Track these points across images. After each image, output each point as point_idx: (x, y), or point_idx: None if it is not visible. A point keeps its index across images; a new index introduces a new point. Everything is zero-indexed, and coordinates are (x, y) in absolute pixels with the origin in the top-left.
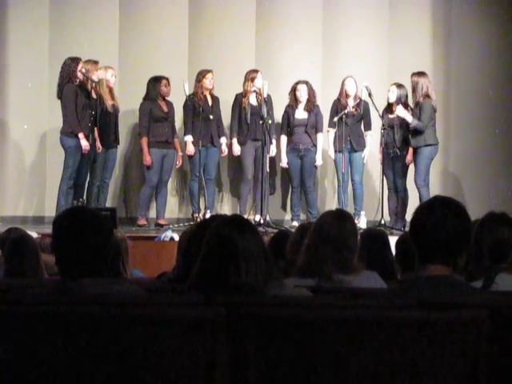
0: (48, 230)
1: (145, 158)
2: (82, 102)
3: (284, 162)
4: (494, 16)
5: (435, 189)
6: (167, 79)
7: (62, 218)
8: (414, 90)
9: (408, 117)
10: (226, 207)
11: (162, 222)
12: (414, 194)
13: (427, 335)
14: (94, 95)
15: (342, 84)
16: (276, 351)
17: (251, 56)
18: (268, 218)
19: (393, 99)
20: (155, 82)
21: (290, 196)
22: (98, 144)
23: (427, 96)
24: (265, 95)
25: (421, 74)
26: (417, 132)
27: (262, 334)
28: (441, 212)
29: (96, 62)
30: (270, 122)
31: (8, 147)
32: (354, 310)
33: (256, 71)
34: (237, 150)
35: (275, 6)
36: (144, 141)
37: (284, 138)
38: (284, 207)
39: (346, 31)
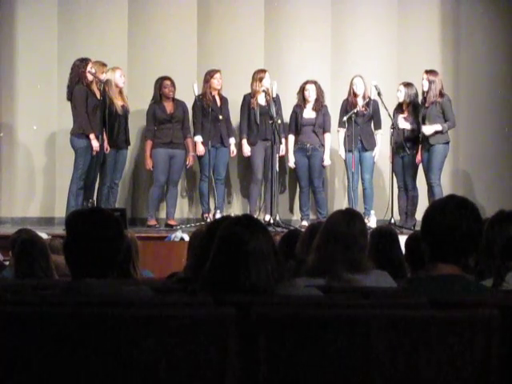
0: (58, 231)
1: (146, 162)
2: (92, 102)
3: (291, 162)
4: (503, 14)
5: (445, 187)
6: (170, 79)
7: (74, 218)
8: (429, 88)
9: (437, 128)
10: (235, 207)
11: (171, 222)
12: (424, 192)
13: (438, 334)
14: (100, 96)
15: (351, 83)
16: (286, 351)
17: (260, 56)
18: (278, 218)
19: (401, 99)
20: (157, 83)
21: (298, 196)
22: (106, 145)
23: (443, 94)
24: (273, 95)
25: (434, 72)
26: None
27: (273, 334)
28: (456, 213)
29: (104, 65)
30: (279, 121)
31: (17, 149)
32: (365, 309)
33: (264, 71)
34: (247, 150)
35: (284, 6)
36: (148, 144)
37: (292, 138)
38: (293, 207)
39: (354, 30)
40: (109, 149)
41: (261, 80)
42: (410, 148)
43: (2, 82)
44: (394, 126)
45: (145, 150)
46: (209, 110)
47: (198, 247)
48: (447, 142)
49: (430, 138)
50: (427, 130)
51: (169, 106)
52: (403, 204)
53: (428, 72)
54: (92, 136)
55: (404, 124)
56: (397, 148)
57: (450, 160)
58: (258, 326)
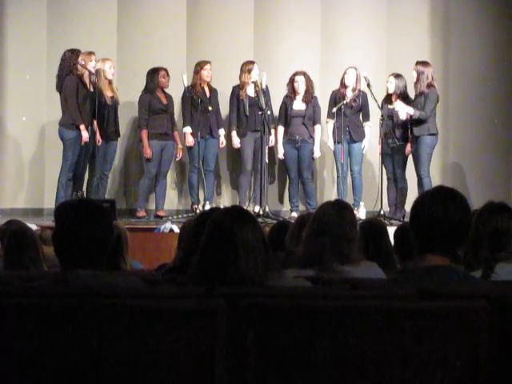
0: (47, 222)
1: (145, 151)
2: (82, 93)
3: (280, 153)
4: (493, 6)
5: (435, 179)
6: (165, 70)
7: (63, 209)
8: (417, 79)
9: (409, 109)
10: (225, 198)
11: (161, 213)
12: (413, 184)
13: (427, 325)
14: (91, 88)
15: (343, 74)
16: (276, 342)
17: (249, 47)
18: (267, 209)
19: (391, 90)
20: (153, 73)
21: (288, 187)
22: (98, 137)
23: (431, 85)
24: (263, 86)
25: (425, 63)
26: (420, 121)
27: (262, 325)
28: (445, 203)
29: (90, 53)
30: (268, 112)
31: (7, 140)
32: (354, 300)
33: (252, 62)
34: (236, 142)
35: None
36: (144, 133)
37: (281, 129)
38: (283, 198)
39: (344, 22)
40: (101, 140)
41: (249, 72)
42: (399, 139)
43: None
44: (384, 118)
45: (138, 141)
46: (198, 101)
47: (187, 238)
48: (433, 134)
49: (414, 128)
50: (399, 105)
51: (162, 97)
52: (392, 195)
53: (419, 63)
54: (82, 127)
55: (402, 106)
56: (386, 138)
57: (439, 152)
58: (247, 317)
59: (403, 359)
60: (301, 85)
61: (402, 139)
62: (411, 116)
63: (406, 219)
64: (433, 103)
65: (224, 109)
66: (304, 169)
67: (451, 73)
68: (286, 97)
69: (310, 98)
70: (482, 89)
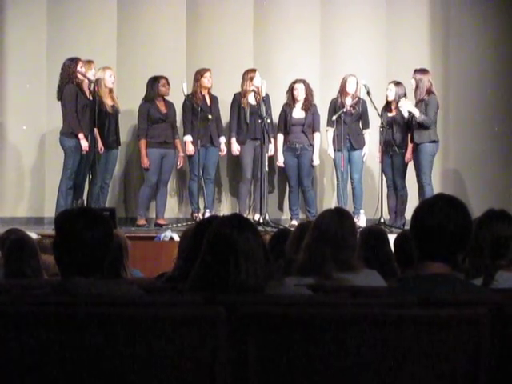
0: (47, 230)
1: (142, 161)
2: (81, 102)
3: (280, 161)
4: (493, 13)
5: (435, 187)
6: (166, 79)
7: (63, 218)
8: (417, 87)
9: (415, 111)
10: (225, 206)
11: (161, 221)
12: (413, 191)
13: (428, 333)
14: (90, 96)
15: (344, 82)
16: (276, 350)
17: (249, 55)
18: (267, 217)
19: (391, 97)
20: (153, 82)
21: (288, 195)
22: (100, 145)
23: (431, 92)
24: (263, 94)
25: (423, 70)
26: (422, 128)
27: (262, 333)
28: (445, 211)
29: (90, 62)
30: (268, 121)
31: (7, 148)
32: (354, 308)
33: (254, 70)
34: (236, 149)
35: (273, 5)
36: (142, 143)
37: (281, 137)
38: (283, 206)
39: (343, 30)
40: (103, 149)
41: (251, 79)
42: (399, 147)
43: None
44: (384, 126)
45: (138, 149)
46: (198, 109)
47: (187, 246)
48: (433, 141)
49: (415, 136)
50: (404, 103)
51: (162, 106)
52: (392, 203)
53: (417, 71)
54: (81, 135)
55: (409, 106)
56: (386, 146)
57: (439, 159)
58: (247, 325)
59: (404, 367)
60: (300, 93)
61: (401, 147)
62: (412, 118)
63: (407, 227)
64: (434, 110)
65: (224, 116)
66: (304, 177)
67: (451, 80)
68: (286, 105)
69: (309, 105)
70: (481, 96)
